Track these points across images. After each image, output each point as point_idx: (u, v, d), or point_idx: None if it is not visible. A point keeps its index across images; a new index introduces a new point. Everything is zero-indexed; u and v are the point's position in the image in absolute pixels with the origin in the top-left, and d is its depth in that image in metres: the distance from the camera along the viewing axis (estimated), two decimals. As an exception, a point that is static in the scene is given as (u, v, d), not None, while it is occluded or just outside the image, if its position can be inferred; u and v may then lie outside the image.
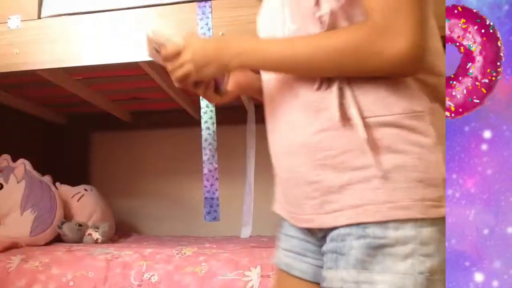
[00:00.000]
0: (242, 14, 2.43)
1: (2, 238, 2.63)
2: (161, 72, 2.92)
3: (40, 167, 3.11)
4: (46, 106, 4.06)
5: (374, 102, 1.11)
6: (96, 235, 2.96)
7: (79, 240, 2.91)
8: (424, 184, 1.07)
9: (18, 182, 2.84)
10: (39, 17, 2.65)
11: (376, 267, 1.07)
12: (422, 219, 1.06)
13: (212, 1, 2.47)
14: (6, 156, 2.97)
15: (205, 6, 2.46)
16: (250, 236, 3.04)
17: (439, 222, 1.08)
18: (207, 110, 2.39)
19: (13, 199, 2.78)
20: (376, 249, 1.07)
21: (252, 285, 2.05)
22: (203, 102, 2.40)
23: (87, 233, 2.97)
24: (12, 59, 2.61)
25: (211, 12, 2.46)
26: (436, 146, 1.10)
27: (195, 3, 2.47)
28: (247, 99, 3.23)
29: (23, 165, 2.93)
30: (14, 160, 2.97)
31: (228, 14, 2.46)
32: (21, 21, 2.63)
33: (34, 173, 2.98)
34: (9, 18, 2.65)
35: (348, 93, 1.12)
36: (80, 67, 2.61)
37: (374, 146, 1.09)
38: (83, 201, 3.30)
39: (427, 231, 1.06)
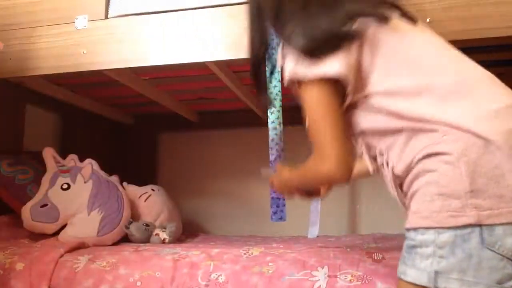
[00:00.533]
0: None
1: (69, 238, 2.65)
2: (228, 72, 2.92)
3: (107, 167, 3.13)
4: (113, 106, 4.12)
5: (408, 154, 1.39)
6: (163, 235, 2.96)
7: (146, 240, 2.91)
8: (445, 196, 1.27)
9: (85, 182, 2.85)
10: (106, 17, 2.67)
11: (409, 262, 1.32)
12: (441, 227, 1.26)
13: (278, 1, 2.45)
14: (73, 156, 2.98)
15: (271, 7, 2.45)
16: (317, 236, 3.01)
17: (460, 229, 1.24)
18: (274, 110, 2.36)
19: (80, 199, 2.79)
20: (411, 248, 1.33)
21: (320, 285, 2.02)
22: (270, 102, 2.37)
23: (154, 233, 2.97)
24: (79, 59, 2.63)
25: (277, 12, 2.44)
26: (459, 160, 1.27)
27: (262, 4, 2.45)
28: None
29: (90, 165, 2.94)
30: (81, 160, 2.99)
31: (293, 14, 2.44)
32: (88, 21, 2.66)
33: (101, 173, 2.99)
34: (76, 18, 2.67)
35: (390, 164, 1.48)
36: (147, 67, 2.62)
37: (418, 172, 1.35)
38: (150, 201, 3.30)
39: (443, 237, 1.25)
